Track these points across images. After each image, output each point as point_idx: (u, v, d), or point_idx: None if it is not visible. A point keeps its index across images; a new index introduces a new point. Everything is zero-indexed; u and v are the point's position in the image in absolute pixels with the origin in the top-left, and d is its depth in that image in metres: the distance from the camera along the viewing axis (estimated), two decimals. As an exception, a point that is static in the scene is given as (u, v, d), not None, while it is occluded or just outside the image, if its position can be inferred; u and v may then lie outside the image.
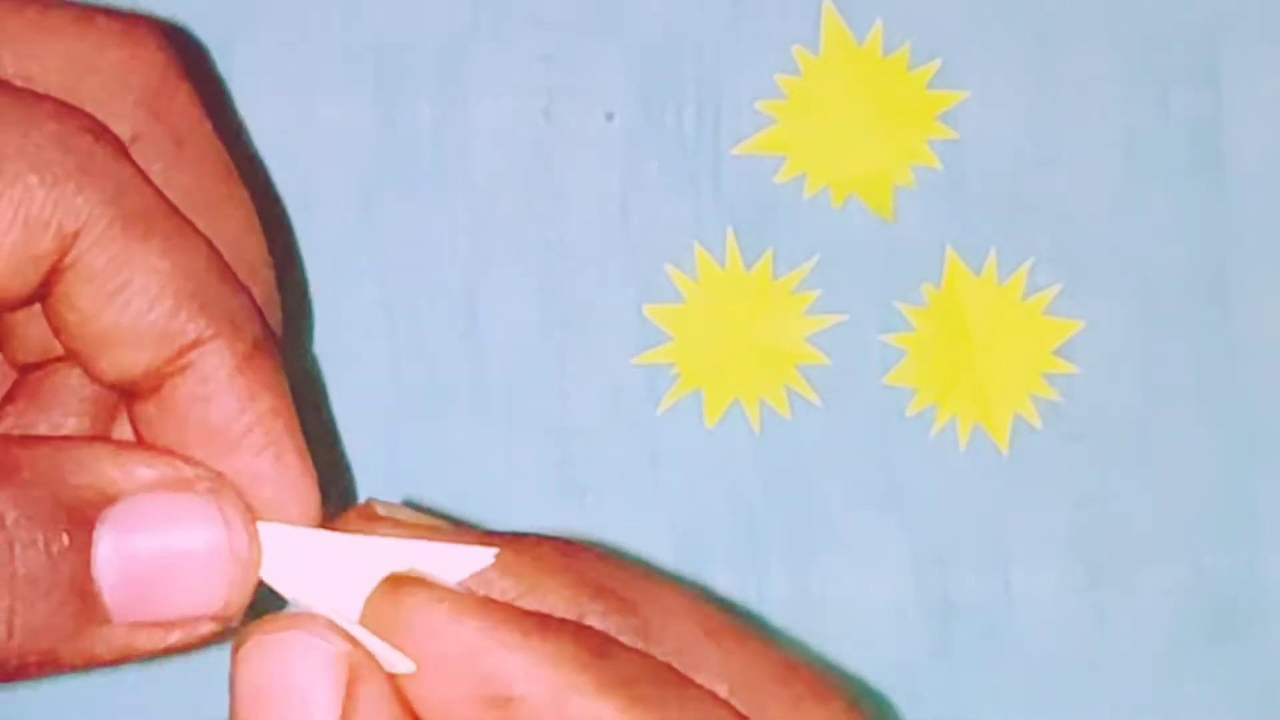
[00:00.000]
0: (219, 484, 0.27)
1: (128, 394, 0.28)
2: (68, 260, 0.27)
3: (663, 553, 0.38)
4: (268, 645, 0.27)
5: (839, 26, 0.38)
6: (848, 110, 0.38)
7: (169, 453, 0.27)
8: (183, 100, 0.29)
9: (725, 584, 0.38)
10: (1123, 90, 0.38)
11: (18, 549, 0.25)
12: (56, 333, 0.28)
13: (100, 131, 0.27)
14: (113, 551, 0.26)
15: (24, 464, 0.26)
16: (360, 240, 0.38)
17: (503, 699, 0.26)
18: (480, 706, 0.26)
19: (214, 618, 0.27)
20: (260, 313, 0.28)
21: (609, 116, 0.38)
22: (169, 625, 0.27)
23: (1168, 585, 0.38)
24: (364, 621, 0.27)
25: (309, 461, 0.28)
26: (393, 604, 0.27)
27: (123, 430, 0.29)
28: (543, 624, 0.26)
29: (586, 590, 0.27)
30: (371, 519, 0.28)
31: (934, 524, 0.38)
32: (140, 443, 0.28)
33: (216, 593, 0.27)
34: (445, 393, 0.38)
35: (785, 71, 0.38)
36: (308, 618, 0.27)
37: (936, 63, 0.38)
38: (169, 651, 0.27)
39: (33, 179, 0.26)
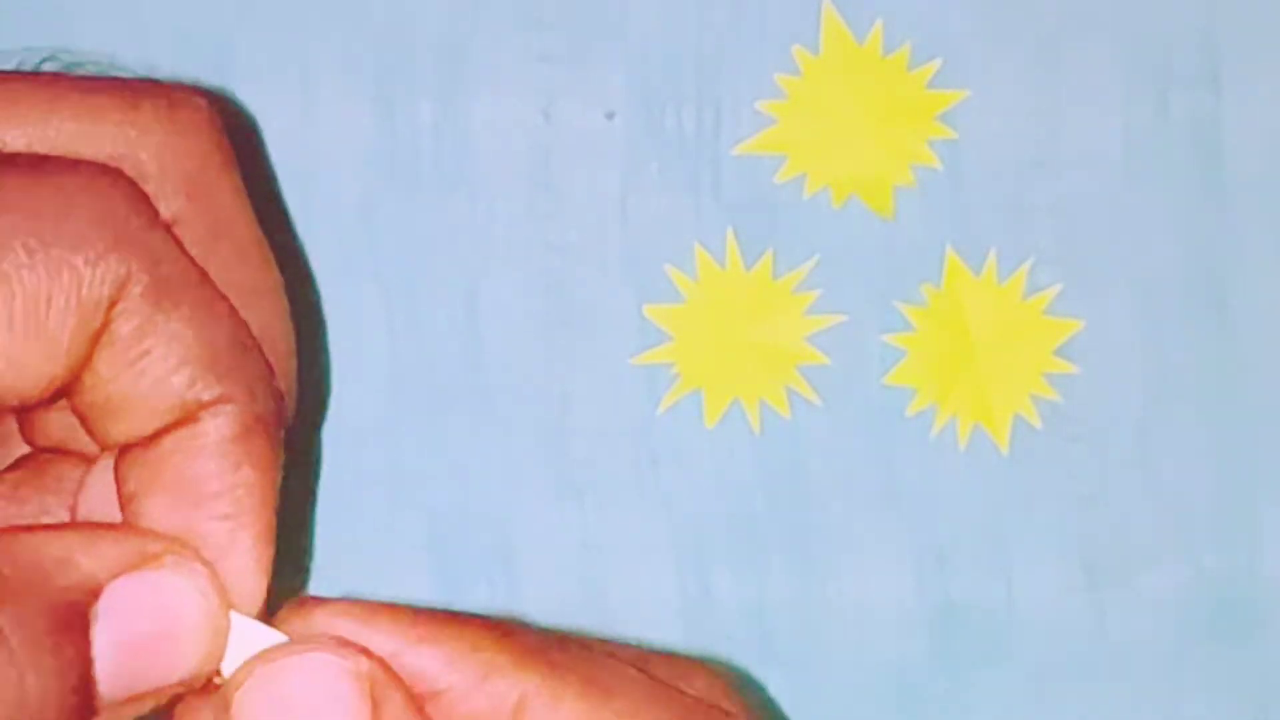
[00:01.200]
0: (184, 554, 0.27)
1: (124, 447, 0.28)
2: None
3: (663, 552, 0.38)
4: (290, 666, 0.27)
5: (839, 26, 0.38)
6: (848, 110, 0.38)
7: (131, 529, 0.27)
8: (224, 182, 0.29)
9: (725, 584, 0.38)
10: (1123, 90, 0.38)
11: (30, 677, 0.25)
12: (69, 398, 0.28)
13: (136, 198, 0.27)
14: (109, 646, 0.26)
15: (8, 571, 0.26)
16: (360, 240, 0.38)
17: (431, 693, 0.27)
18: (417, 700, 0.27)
19: (183, 682, 0.27)
20: (277, 392, 0.28)
21: (609, 116, 0.38)
22: (145, 696, 0.27)
23: (1168, 585, 0.38)
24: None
25: (267, 549, 0.28)
26: (303, 619, 0.27)
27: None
28: (449, 618, 0.27)
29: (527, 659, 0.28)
30: (308, 610, 0.28)
31: (934, 524, 0.38)
32: (102, 524, 0.28)
33: (195, 661, 0.27)
34: (445, 393, 0.38)
35: (785, 71, 0.38)
36: (322, 639, 0.27)
37: (936, 63, 0.38)
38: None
39: (78, 260, 0.26)
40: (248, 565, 0.28)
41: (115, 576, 0.26)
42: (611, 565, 0.38)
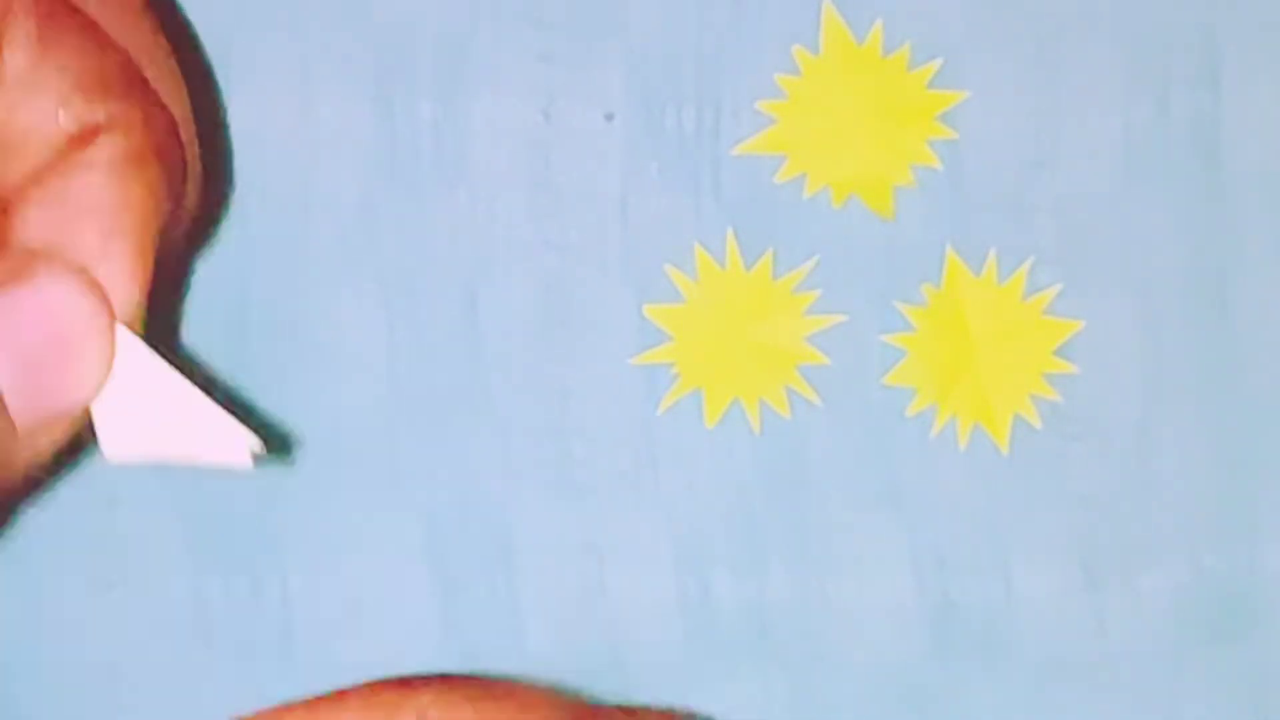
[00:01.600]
0: (55, 263, 0.26)
1: None
2: None
3: (662, 552, 0.38)
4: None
5: (839, 26, 0.38)
6: (848, 110, 0.38)
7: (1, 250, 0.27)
8: None
9: (725, 584, 0.38)
10: (1123, 90, 0.38)
11: None
12: None
13: None
14: (3, 363, 0.26)
15: None
16: (360, 240, 0.38)
17: None
18: None
19: (90, 397, 0.27)
20: (173, 131, 0.28)
21: (609, 116, 0.38)
22: (61, 418, 0.26)
23: (1168, 585, 0.38)
24: None
25: (143, 264, 0.27)
26: None
27: None
28: (343, 692, 0.28)
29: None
30: None
31: (934, 524, 0.38)
32: None
33: (96, 366, 0.27)
34: (445, 393, 0.38)
35: (785, 71, 0.38)
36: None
37: (936, 63, 0.38)
38: (47, 458, 0.27)
39: None
40: (121, 272, 0.27)
41: None
42: (611, 565, 0.38)
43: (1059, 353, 0.38)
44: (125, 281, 0.27)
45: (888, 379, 0.38)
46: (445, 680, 0.28)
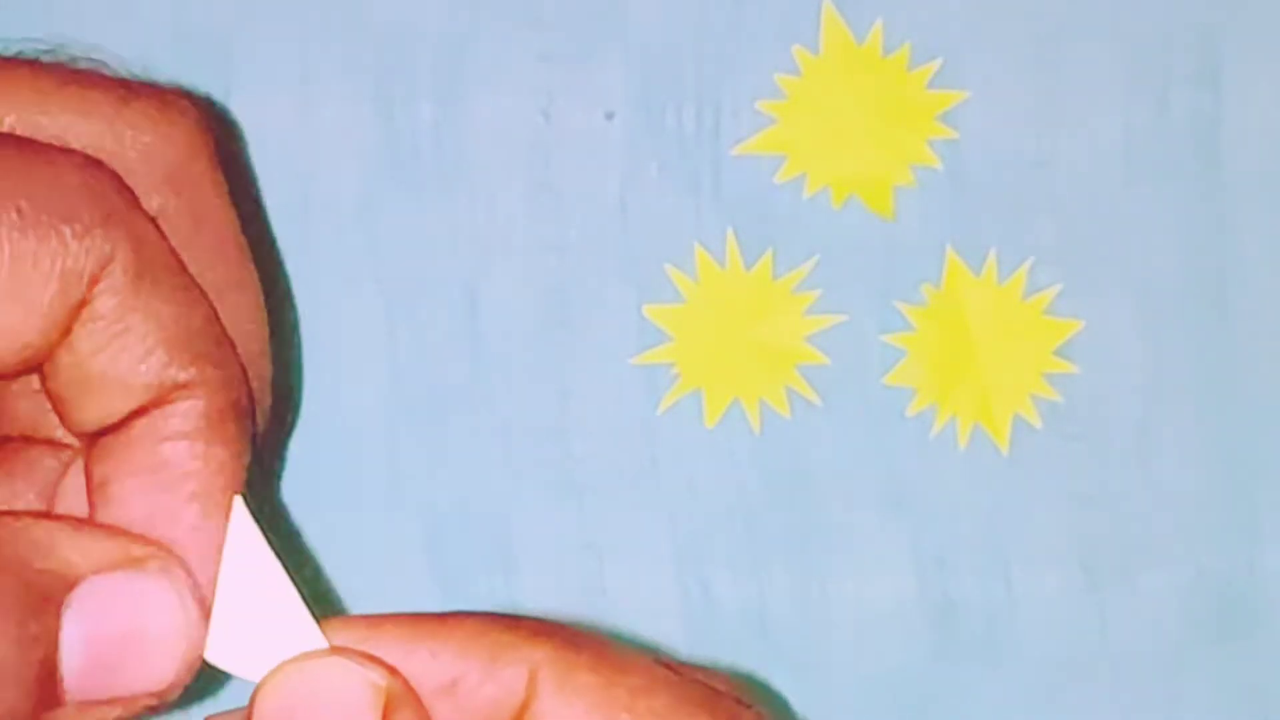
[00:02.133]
0: (170, 562, 0.27)
1: (96, 434, 0.28)
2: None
3: (663, 553, 0.38)
4: (308, 670, 0.27)
5: (839, 26, 0.38)
6: (848, 110, 0.38)
7: (119, 531, 0.27)
8: (207, 181, 0.29)
9: (725, 584, 0.38)
10: (1123, 90, 0.38)
11: None
12: (44, 377, 0.28)
13: (121, 185, 0.28)
14: (78, 638, 0.26)
15: None
16: (360, 240, 0.38)
17: (447, 684, 0.27)
18: (432, 698, 0.27)
19: (156, 694, 0.27)
20: (247, 383, 0.29)
21: (609, 116, 0.38)
22: (114, 702, 0.27)
23: (1168, 585, 0.38)
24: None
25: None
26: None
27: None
28: (455, 615, 0.28)
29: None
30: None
31: (934, 524, 0.38)
32: (90, 521, 0.28)
33: (168, 672, 0.27)
34: (445, 393, 0.38)
35: (785, 71, 0.38)
36: (345, 651, 0.27)
37: (936, 63, 0.38)
38: None
39: (66, 230, 0.26)
40: (216, 543, 0.27)
41: (96, 572, 0.27)
42: (611, 565, 0.38)
43: (1059, 352, 0.38)
44: (219, 552, 0.28)
45: (888, 379, 0.38)
46: (567, 638, 0.28)
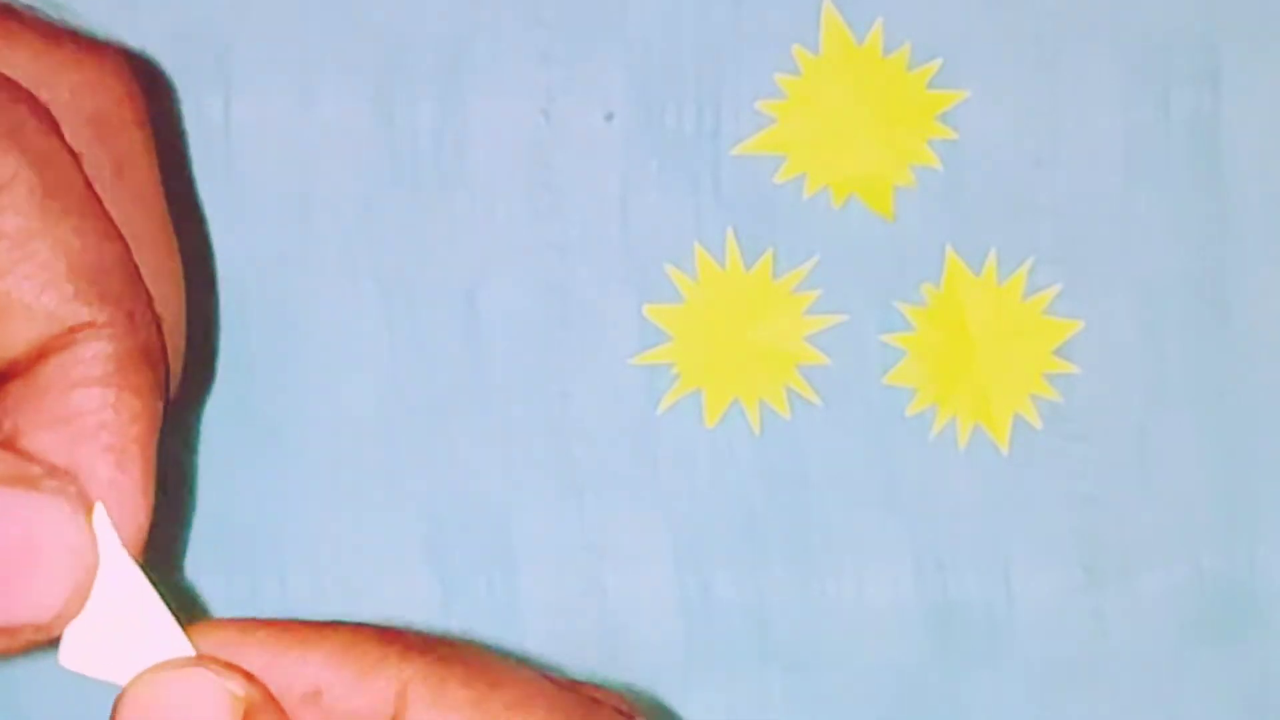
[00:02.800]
0: (67, 484, 0.26)
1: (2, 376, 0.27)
2: None
3: (662, 552, 0.38)
4: (166, 679, 0.26)
5: (839, 26, 0.38)
6: (848, 110, 0.38)
7: (14, 448, 0.26)
8: (132, 130, 0.29)
9: (725, 584, 0.38)
10: (1123, 90, 0.38)
11: None
12: None
13: (40, 113, 0.27)
14: None
15: None
16: (360, 240, 0.38)
17: (312, 693, 0.26)
18: (296, 705, 0.27)
19: (41, 625, 0.26)
20: (160, 331, 0.28)
21: (609, 116, 0.38)
22: (2, 632, 0.26)
23: (1168, 586, 0.38)
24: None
25: (150, 480, 0.27)
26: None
27: None
28: (331, 625, 0.27)
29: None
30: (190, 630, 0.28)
31: (934, 524, 0.38)
32: None
33: (56, 597, 0.26)
34: (445, 393, 0.38)
35: (785, 71, 0.38)
36: (205, 659, 0.27)
37: (936, 63, 0.38)
38: None
39: None
40: (135, 498, 0.27)
41: None
42: (611, 565, 0.38)
43: (1059, 352, 0.38)
44: (140, 508, 0.27)
45: (888, 379, 0.38)
46: (440, 652, 0.27)
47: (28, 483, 0.26)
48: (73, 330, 0.27)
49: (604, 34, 0.38)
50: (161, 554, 0.28)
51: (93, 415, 0.27)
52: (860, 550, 0.38)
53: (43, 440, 0.27)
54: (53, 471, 0.26)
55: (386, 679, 0.27)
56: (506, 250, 0.38)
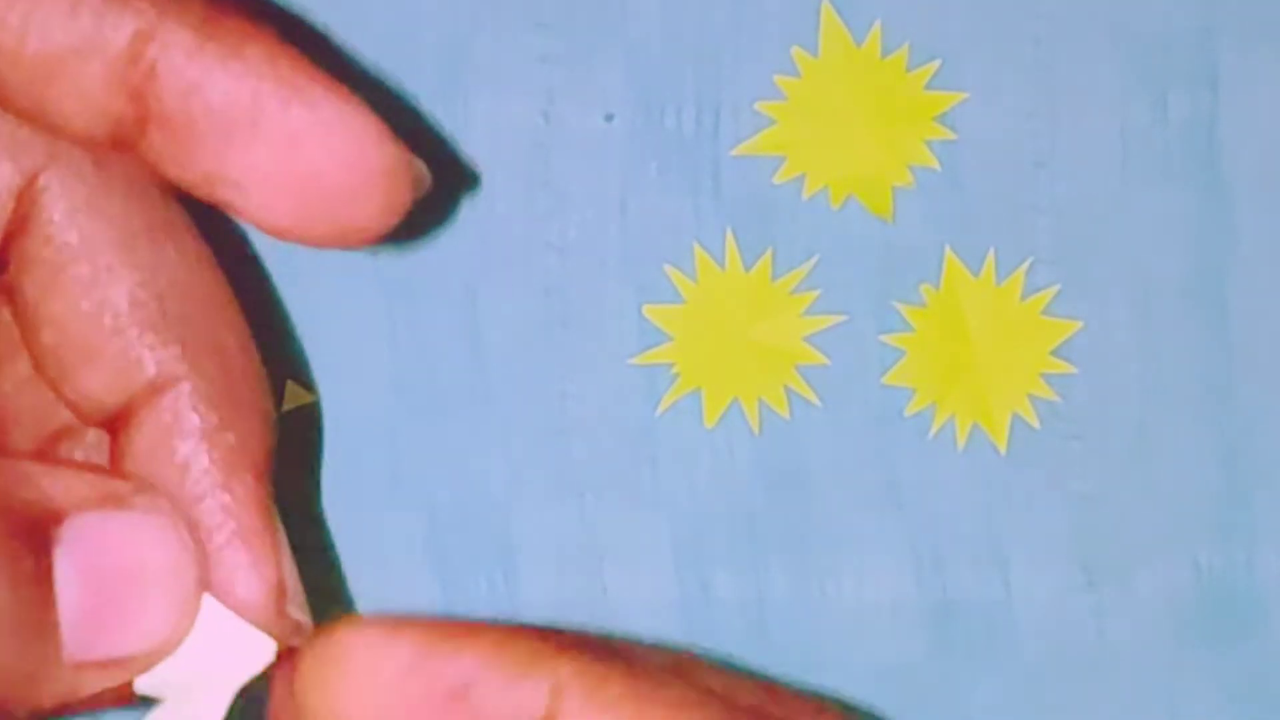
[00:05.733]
0: (156, 497, 0.26)
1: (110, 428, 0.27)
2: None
3: (662, 552, 0.38)
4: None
5: (838, 27, 0.38)
6: (847, 111, 0.38)
7: (94, 467, 0.26)
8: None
9: (725, 584, 0.38)
10: (1122, 91, 0.38)
11: None
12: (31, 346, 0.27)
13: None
14: (73, 574, 0.24)
15: None
16: (360, 240, 0.38)
17: (460, 689, 0.25)
18: (443, 704, 0.25)
19: (153, 652, 0.25)
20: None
21: (608, 117, 0.38)
22: (113, 665, 0.25)
23: (1167, 585, 0.38)
24: (303, 663, 0.26)
25: (274, 557, 0.26)
26: (330, 640, 0.26)
27: None
28: (481, 624, 0.26)
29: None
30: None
31: (932, 523, 0.38)
32: (62, 459, 0.27)
33: (168, 620, 0.25)
34: (445, 393, 0.38)
35: (784, 72, 0.38)
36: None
37: (935, 64, 0.38)
38: (98, 704, 0.25)
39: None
40: (257, 568, 0.26)
41: (79, 509, 0.25)
42: (611, 565, 0.38)
43: (1057, 353, 0.38)
44: (258, 581, 0.26)
45: (887, 379, 0.38)
46: (600, 650, 0.26)
47: (118, 502, 0.25)
48: (156, 387, 0.26)
49: (604, 35, 0.38)
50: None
51: (199, 481, 0.26)
52: (859, 550, 0.38)
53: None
54: (141, 486, 0.26)
55: (540, 676, 0.25)
56: (506, 250, 0.38)
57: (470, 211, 0.38)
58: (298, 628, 0.27)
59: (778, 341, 0.38)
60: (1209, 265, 0.38)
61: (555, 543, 0.38)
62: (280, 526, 0.27)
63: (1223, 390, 0.38)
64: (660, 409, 0.38)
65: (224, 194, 0.26)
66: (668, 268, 0.38)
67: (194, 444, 0.26)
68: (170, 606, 0.25)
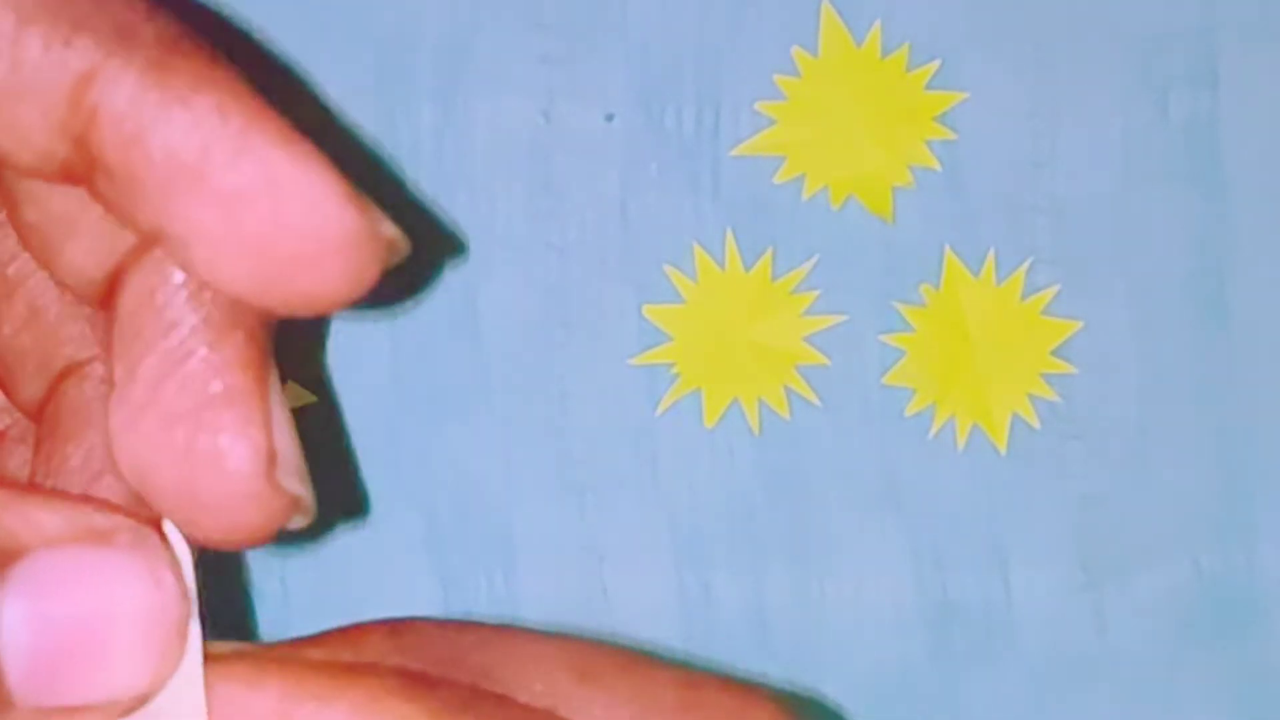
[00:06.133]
0: (144, 535, 0.23)
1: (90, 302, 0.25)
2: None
3: (662, 552, 0.38)
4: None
5: (838, 27, 0.38)
6: (847, 111, 0.38)
7: (79, 499, 0.24)
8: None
9: (724, 584, 0.38)
10: (1122, 91, 0.38)
11: None
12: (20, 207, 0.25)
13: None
14: (19, 619, 0.22)
15: None
16: (360, 240, 0.38)
17: None
18: None
19: (134, 698, 0.23)
20: None
21: (609, 118, 0.38)
22: (76, 712, 0.23)
23: (1167, 585, 0.38)
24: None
25: (264, 420, 0.24)
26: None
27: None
28: (357, 671, 0.24)
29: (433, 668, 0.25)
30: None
31: (932, 524, 0.38)
32: (36, 486, 0.25)
33: (142, 668, 0.23)
34: (445, 393, 0.38)
35: (784, 72, 0.38)
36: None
37: (935, 64, 0.38)
38: None
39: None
40: (252, 427, 0.24)
41: (46, 545, 0.23)
42: (611, 565, 0.38)
43: (1057, 353, 0.38)
44: (253, 440, 0.24)
45: (887, 379, 0.38)
46: (482, 708, 0.24)
47: (96, 538, 0.23)
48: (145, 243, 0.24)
49: (604, 35, 0.38)
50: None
51: (193, 336, 0.24)
52: (859, 550, 0.38)
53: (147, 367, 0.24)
54: (128, 523, 0.23)
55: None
56: (506, 250, 0.38)
57: (470, 211, 0.38)
58: (295, 503, 0.24)
59: (778, 341, 0.38)
60: (1209, 265, 0.38)
61: (555, 543, 0.38)
62: (278, 392, 0.25)
63: (1223, 390, 0.38)
64: (660, 409, 0.38)
65: (172, 250, 0.24)
66: (668, 268, 0.38)
67: (181, 301, 0.24)
68: (144, 652, 0.23)
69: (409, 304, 0.38)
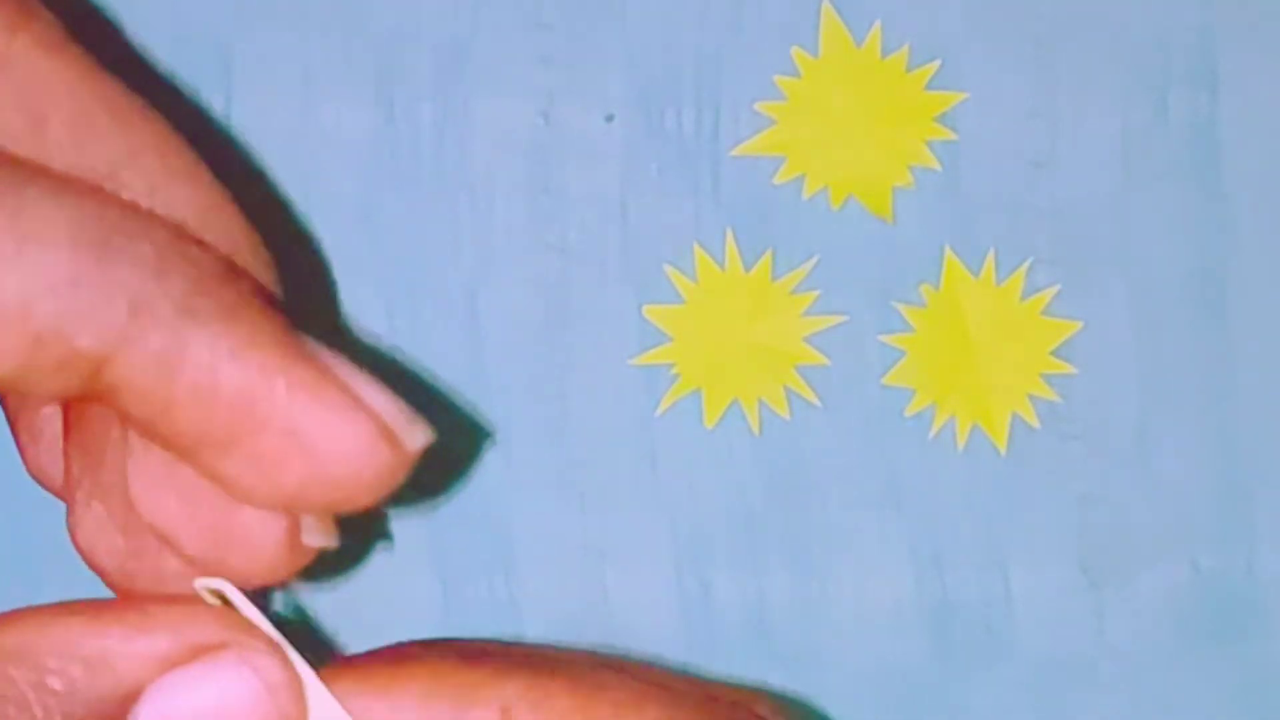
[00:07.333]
0: (247, 649, 0.24)
1: None
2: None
3: (662, 553, 0.38)
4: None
5: (838, 28, 0.38)
6: (847, 111, 0.38)
7: (175, 613, 0.24)
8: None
9: (724, 584, 0.38)
10: (1121, 92, 0.38)
11: None
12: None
13: None
14: None
15: (32, 676, 0.23)
16: (360, 240, 0.38)
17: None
18: None
19: None
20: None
21: (609, 118, 0.38)
22: None
23: (1167, 585, 0.38)
24: None
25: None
26: None
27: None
28: (411, 657, 0.26)
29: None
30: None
31: (932, 524, 0.38)
32: (135, 602, 0.25)
33: None
34: (445, 393, 0.38)
35: (784, 73, 0.38)
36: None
37: (935, 64, 0.38)
38: None
39: None
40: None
41: (160, 671, 0.24)
42: (611, 565, 0.38)
43: (1057, 353, 0.38)
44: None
45: (886, 379, 0.38)
46: (539, 665, 0.25)
47: (202, 654, 0.24)
48: None
49: (604, 35, 0.38)
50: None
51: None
52: (859, 550, 0.38)
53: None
54: (228, 637, 0.24)
55: (485, 706, 0.25)
56: (506, 250, 0.38)
57: (470, 211, 0.38)
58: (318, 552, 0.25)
59: (778, 342, 0.38)
60: (1209, 265, 0.38)
61: (555, 543, 0.38)
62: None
63: (1223, 390, 0.38)
64: (660, 409, 0.38)
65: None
66: (668, 268, 0.38)
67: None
68: None
69: (439, 500, 0.38)
